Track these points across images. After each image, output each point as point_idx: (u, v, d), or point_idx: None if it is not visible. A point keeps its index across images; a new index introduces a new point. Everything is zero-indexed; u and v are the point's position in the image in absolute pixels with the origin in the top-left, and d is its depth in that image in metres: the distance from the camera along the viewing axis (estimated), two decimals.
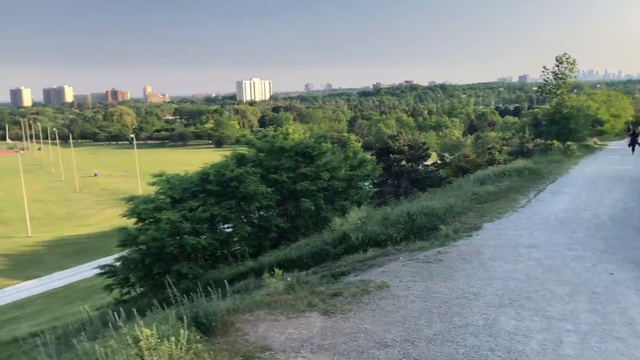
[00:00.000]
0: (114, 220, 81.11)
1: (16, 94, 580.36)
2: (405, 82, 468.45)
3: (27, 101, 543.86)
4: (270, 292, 9.87)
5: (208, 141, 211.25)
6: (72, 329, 9.09)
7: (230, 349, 6.64)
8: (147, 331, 5.62)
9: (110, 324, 8.54)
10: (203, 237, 22.64)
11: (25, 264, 64.37)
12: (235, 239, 24.57)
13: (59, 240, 74.38)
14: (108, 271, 23.34)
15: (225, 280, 10.72)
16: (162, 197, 24.20)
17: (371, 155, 44.37)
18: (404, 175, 49.26)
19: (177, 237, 21.83)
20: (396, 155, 49.57)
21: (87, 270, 58.15)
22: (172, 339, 5.71)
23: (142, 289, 22.59)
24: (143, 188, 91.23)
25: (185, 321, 6.14)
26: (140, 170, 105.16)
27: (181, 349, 5.73)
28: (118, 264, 22.95)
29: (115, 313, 8.73)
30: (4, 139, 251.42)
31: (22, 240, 74.34)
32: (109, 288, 23.31)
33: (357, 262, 12.85)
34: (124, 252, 23.25)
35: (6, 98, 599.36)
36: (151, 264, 21.15)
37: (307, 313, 8.19)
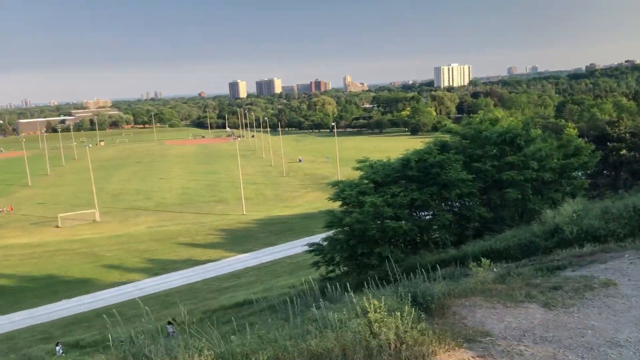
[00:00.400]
0: (316, 203, 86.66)
1: (234, 87, 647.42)
2: (626, 61, 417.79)
3: (242, 93, 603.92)
4: (480, 280, 9.72)
5: (404, 129, 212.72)
6: (292, 297, 9.99)
7: (450, 330, 6.76)
8: (375, 302, 5.98)
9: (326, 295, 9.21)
10: (403, 222, 22.97)
11: (241, 239, 71.41)
12: (435, 226, 24.48)
13: (268, 219, 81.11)
14: (316, 249, 24.97)
15: (436, 266, 10.84)
16: (366, 181, 25.07)
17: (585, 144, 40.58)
18: (623, 165, 44.29)
19: (379, 221, 22.46)
20: (615, 144, 44.72)
21: (292, 248, 62.79)
22: (398, 314, 6.00)
23: (345, 268, 23.79)
24: (342, 173, 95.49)
25: (409, 299, 6.40)
26: (339, 157, 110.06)
27: (407, 324, 5.98)
28: (325, 243, 24.41)
29: (332, 287, 9.42)
30: (223, 127, 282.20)
31: (238, 218, 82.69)
32: (316, 265, 24.97)
33: (573, 257, 12.02)
34: (330, 233, 24.64)
35: (226, 90, 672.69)
36: (355, 245, 22.12)
37: (525, 304, 7.95)
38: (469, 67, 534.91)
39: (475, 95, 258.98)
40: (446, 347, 6.09)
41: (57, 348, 25.60)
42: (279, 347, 5.42)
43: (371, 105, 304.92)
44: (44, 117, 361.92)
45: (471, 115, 30.30)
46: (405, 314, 6.02)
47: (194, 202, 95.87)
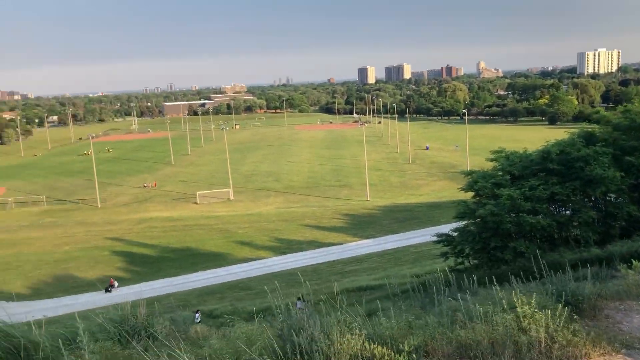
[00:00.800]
0: (443, 192, 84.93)
1: (362, 72, 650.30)
2: None
3: (371, 78, 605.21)
4: (634, 283, 8.95)
5: (541, 118, 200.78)
6: (426, 285, 9.84)
7: (605, 333, 6.29)
8: (523, 298, 5.73)
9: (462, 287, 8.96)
10: (541, 216, 21.73)
11: (364, 224, 71.87)
12: (575, 222, 22.85)
13: (392, 206, 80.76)
14: (445, 240, 24.41)
15: (578, 265, 10.17)
16: (501, 173, 24.03)
17: None
18: None
19: (514, 215, 21.45)
20: None
21: (416, 237, 62.05)
22: (548, 311, 5.70)
23: (476, 261, 23.05)
24: (472, 163, 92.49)
25: (563, 297, 6.04)
26: (469, 146, 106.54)
27: (559, 323, 5.67)
28: (455, 234, 23.78)
29: (469, 279, 9.17)
30: (351, 113, 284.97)
31: (362, 203, 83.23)
32: (444, 256, 24.44)
33: None
34: (460, 224, 23.95)
35: (354, 76, 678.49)
36: (488, 238, 21.30)
37: None
38: (618, 52, 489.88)
39: (624, 82, 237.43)
40: (601, 351, 5.67)
41: (196, 315, 27.61)
42: (427, 334, 5.38)
43: (506, 93, 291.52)
44: (186, 101, 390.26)
45: (625, 104, 27.53)
46: (557, 312, 5.70)
47: (319, 186, 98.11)
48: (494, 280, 8.62)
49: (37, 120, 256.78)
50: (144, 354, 4.60)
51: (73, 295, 51.53)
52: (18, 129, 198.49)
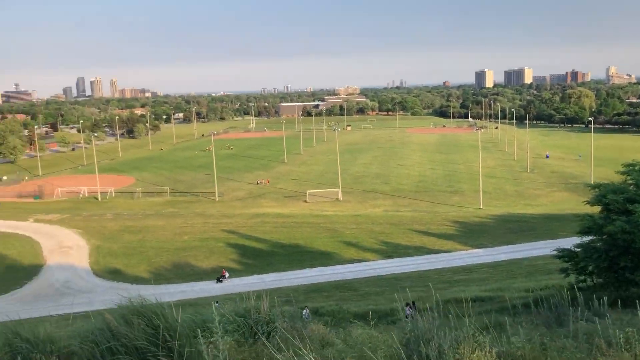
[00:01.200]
0: (562, 204, 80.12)
1: (480, 76, 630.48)
2: None
3: (489, 82, 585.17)
4: None
5: None
6: (547, 300, 9.19)
7: None
8: None
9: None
10: None
11: (475, 233, 69.41)
12: None
13: (506, 216, 77.35)
14: (566, 255, 22.92)
15: None
16: (633, 188, 22.12)
17: None
18: None
19: None
20: None
21: (531, 249, 59.01)
22: None
23: (600, 280, 21.42)
24: (596, 174, 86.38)
25: None
26: (594, 156, 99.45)
27: None
28: (578, 250, 22.25)
29: (600, 300, 8.50)
30: (466, 117, 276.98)
31: (474, 211, 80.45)
32: (565, 272, 22.97)
33: None
34: (585, 239, 22.38)
35: (471, 80, 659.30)
36: (616, 256, 19.66)
37: None
38: None
39: None
40: None
41: (304, 312, 28.12)
42: (564, 358, 4.99)
43: (639, 100, 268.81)
44: (301, 102, 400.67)
45: None
46: None
47: (429, 191, 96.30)
48: (616, 302, 7.92)
49: (164, 117, 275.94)
50: (273, 350, 4.70)
51: (189, 282, 54.75)
52: (147, 124, 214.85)
